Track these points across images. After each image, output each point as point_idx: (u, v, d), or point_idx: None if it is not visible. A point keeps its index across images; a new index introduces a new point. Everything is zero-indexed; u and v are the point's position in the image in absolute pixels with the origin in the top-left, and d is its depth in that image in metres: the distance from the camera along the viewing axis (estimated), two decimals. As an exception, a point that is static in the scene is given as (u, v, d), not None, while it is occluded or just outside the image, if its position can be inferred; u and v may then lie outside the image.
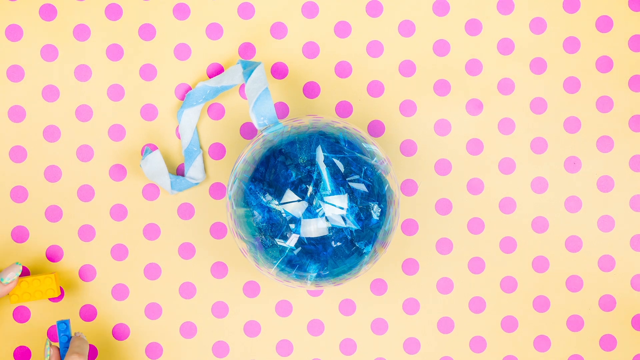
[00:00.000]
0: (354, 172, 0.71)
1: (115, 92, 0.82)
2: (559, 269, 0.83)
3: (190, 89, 0.82)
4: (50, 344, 0.76)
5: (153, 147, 0.82)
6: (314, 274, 0.73)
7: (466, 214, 0.83)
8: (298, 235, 0.71)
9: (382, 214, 0.73)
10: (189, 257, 0.83)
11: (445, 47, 0.82)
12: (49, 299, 0.83)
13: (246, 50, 0.82)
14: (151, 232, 0.83)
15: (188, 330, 0.83)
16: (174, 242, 0.83)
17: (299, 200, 0.70)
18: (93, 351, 0.83)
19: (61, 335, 0.76)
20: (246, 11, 0.82)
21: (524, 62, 0.82)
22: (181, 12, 0.82)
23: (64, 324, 0.76)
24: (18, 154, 0.82)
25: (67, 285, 0.83)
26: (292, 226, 0.71)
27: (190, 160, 0.81)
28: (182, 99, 0.82)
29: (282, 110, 0.82)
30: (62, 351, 0.76)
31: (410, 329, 0.84)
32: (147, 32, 0.82)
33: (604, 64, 0.82)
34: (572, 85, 0.82)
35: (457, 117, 0.82)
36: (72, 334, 0.79)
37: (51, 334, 0.83)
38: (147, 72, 0.82)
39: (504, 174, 0.83)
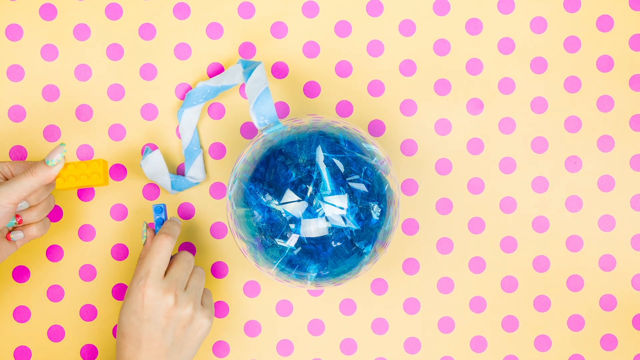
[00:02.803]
0: (354, 172, 0.71)
1: (115, 92, 0.82)
2: (560, 269, 0.83)
3: (190, 88, 0.82)
4: (147, 226, 0.77)
5: (153, 147, 0.82)
6: (314, 274, 0.73)
7: (467, 213, 0.83)
8: (298, 235, 0.71)
9: (382, 214, 0.72)
10: (189, 257, 0.83)
11: (446, 47, 0.82)
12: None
13: (246, 49, 0.82)
14: (151, 232, 0.83)
15: (188, 330, 0.83)
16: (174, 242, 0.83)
17: (299, 200, 0.70)
18: (93, 351, 0.83)
19: (157, 218, 0.78)
20: (246, 11, 0.82)
21: (524, 62, 0.82)
22: (181, 12, 0.81)
23: (160, 207, 0.78)
24: (19, 154, 0.82)
25: (67, 285, 0.83)
26: (292, 226, 0.71)
27: (191, 160, 0.81)
28: (182, 98, 0.82)
29: (282, 109, 0.82)
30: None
31: (411, 328, 0.84)
32: (147, 32, 0.82)
33: (605, 64, 0.82)
34: (572, 84, 0.82)
35: (458, 116, 0.82)
36: (169, 218, 0.79)
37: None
38: (147, 72, 0.82)
39: (505, 173, 0.83)
